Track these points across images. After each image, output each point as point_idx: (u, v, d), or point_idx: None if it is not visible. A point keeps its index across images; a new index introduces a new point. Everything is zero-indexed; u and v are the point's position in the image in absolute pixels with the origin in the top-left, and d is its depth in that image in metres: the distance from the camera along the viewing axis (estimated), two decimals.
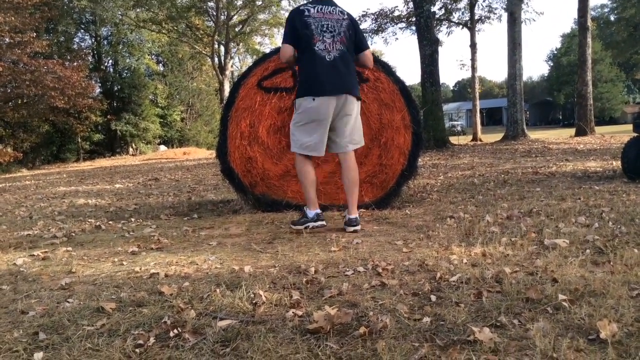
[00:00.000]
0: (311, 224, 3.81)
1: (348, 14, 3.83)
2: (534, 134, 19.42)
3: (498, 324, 1.81)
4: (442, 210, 4.43)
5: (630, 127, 6.82)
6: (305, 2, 3.98)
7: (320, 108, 3.70)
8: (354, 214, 3.79)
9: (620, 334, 1.66)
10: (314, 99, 3.69)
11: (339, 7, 3.84)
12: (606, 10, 40.20)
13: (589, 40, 17.90)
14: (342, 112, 3.77)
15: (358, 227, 3.74)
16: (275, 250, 3.20)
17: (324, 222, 3.86)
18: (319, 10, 3.75)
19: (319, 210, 3.86)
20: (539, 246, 2.90)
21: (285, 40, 3.77)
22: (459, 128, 35.49)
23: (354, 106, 3.80)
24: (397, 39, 56.14)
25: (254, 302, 2.16)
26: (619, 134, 16.74)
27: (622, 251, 2.63)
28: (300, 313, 2.00)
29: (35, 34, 21.51)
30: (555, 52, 58.09)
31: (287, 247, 3.30)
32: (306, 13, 3.74)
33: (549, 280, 2.25)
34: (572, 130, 19.40)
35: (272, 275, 2.59)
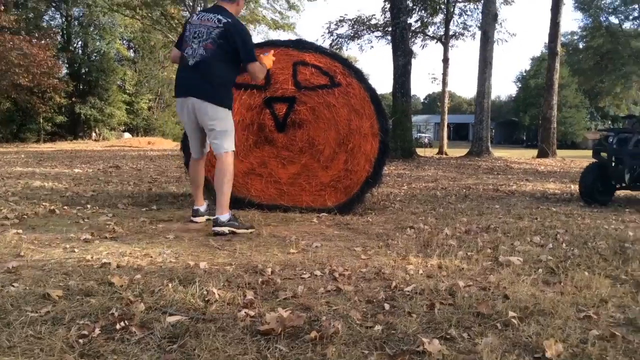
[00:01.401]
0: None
1: (226, 24, 3.76)
2: (498, 152, 19.83)
3: (448, 336, 1.83)
4: (403, 220, 4.46)
5: (590, 152, 7.02)
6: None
7: (182, 114, 3.98)
8: (218, 213, 3.74)
9: (565, 354, 1.69)
10: (179, 106, 3.99)
11: (222, 16, 3.80)
12: (576, 37, 41.29)
13: (557, 65, 18.37)
14: (198, 115, 3.86)
15: (223, 229, 3.64)
16: (233, 248, 3.17)
17: (195, 219, 4.11)
18: (200, 17, 3.90)
19: (195, 207, 4.17)
20: (494, 262, 2.95)
21: (175, 43, 4.18)
22: (426, 140, 35.95)
23: (204, 109, 3.78)
24: (372, 47, 56.70)
25: (206, 299, 2.13)
26: (579, 159, 17.23)
27: (573, 273, 2.69)
28: (252, 313, 1.98)
29: (2, 7, 20.85)
30: (524, 74, 59.49)
31: (246, 245, 3.27)
32: (189, 20, 4.01)
33: (501, 297, 2.28)
34: (535, 151, 19.86)
35: (228, 273, 2.56)
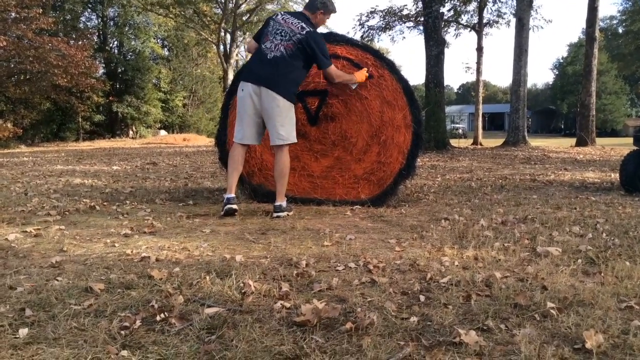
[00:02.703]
0: (224, 207, 4.12)
1: (307, 32, 4.15)
2: (535, 142, 19.44)
3: (485, 327, 1.81)
4: (438, 211, 4.43)
5: (630, 140, 6.82)
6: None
7: (244, 97, 4.21)
8: (279, 201, 4.23)
9: (606, 345, 1.66)
10: (242, 90, 4.22)
11: (307, 24, 4.21)
12: (615, 22, 40.15)
13: (596, 51, 17.89)
14: (264, 105, 4.16)
15: (282, 214, 4.13)
16: (268, 242, 3.20)
17: (232, 206, 4.09)
18: (285, 18, 4.25)
19: (231, 195, 4.16)
20: (531, 253, 2.90)
21: (254, 35, 4.47)
22: (460, 131, 35.46)
23: (276, 103, 4.12)
24: (404, 37, 56.15)
25: (242, 291, 2.16)
26: (620, 147, 16.74)
27: (613, 263, 2.63)
28: (288, 305, 2.00)
29: (41, 10, 21.37)
30: (561, 60, 58.09)
31: (280, 238, 3.30)
32: (274, 17, 4.33)
33: (539, 288, 2.25)
34: (573, 140, 19.40)
35: (263, 266, 2.59)
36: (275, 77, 4.11)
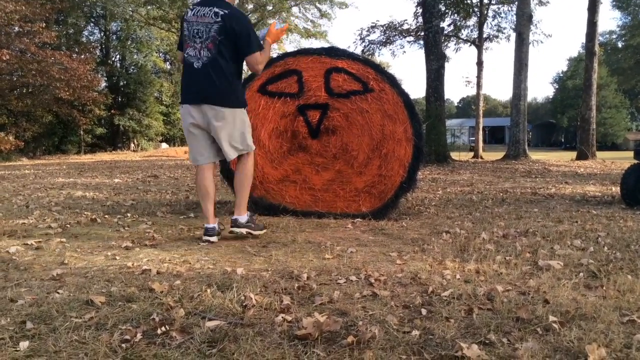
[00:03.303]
0: (206, 238, 3.63)
1: (223, 16, 3.51)
2: (535, 155, 19.44)
3: (487, 341, 1.80)
4: (439, 224, 4.42)
5: (631, 154, 6.83)
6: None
7: (185, 117, 3.70)
8: (236, 214, 3.74)
9: (608, 359, 1.65)
10: (183, 114, 3.72)
11: (217, 8, 3.54)
12: (614, 36, 40.34)
13: (596, 65, 17.96)
14: (211, 122, 3.61)
15: (241, 231, 3.68)
16: (269, 254, 3.20)
17: (210, 239, 3.60)
18: (195, 13, 3.59)
19: (209, 225, 3.66)
20: (533, 266, 2.89)
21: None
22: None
23: (221, 115, 3.58)
24: (404, 52, 56.30)
25: (244, 304, 2.16)
26: (620, 160, 16.75)
27: (615, 276, 2.63)
28: (289, 318, 2.00)
29: (44, 24, 21.50)
30: (561, 75, 58.27)
31: (281, 252, 3.29)
32: (185, 17, 3.68)
33: (541, 301, 2.24)
34: (574, 154, 19.41)
35: (264, 279, 2.58)
36: (212, 89, 3.54)
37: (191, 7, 3.71)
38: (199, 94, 3.59)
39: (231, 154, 3.70)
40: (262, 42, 3.70)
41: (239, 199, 3.76)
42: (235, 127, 3.66)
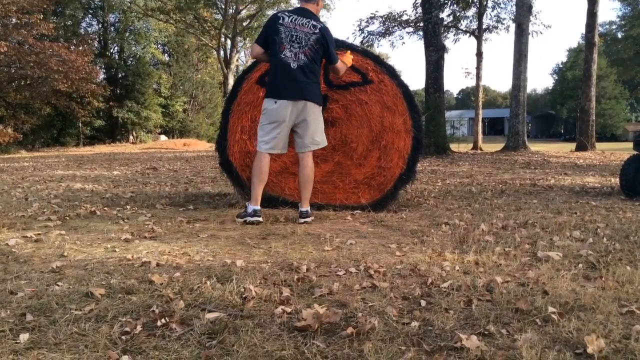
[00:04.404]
0: (248, 219, 4.04)
1: (320, 29, 4.10)
2: (535, 146, 19.44)
3: (486, 332, 1.81)
4: (438, 216, 4.43)
5: (630, 145, 6.83)
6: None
7: (280, 110, 4.07)
8: (305, 207, 4.19)
9: (607, 349, 1.66)
10: (275, 102, 4.08)
11: (314, 20, 4.13)
12: (614, 27, 40.18)
13: (595, 56, 17.93)
14: (302, 116, 4.12)
15: (309, 219, 4.11)
16: (269, 246, 3.20)
17: (259, 219, 4.04)
18: (293, 20, 4.09)
19: (257, 207, 4.09)
20: (532, 258, 2.90)
21: (257, 40, 4.26)
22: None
23: (313, 111, 4.14)
24: (403, 43, 56.28)
25: (243, 296, 2.16)
26: (619, 151, 16.75)
27: (614, 267, 2.63)
28: (289, 310, 2.00)
29: (42, 16, 21.42)
30: (561, 66, 58.25)
31: (281, 243, 3.29)
32: (280, 21, 4.10)
33: (540, 292, 2.25)
34: (573, 145, 19.42)
35: (264, 271, 2.59)
36: (308, 87, 4.07)
37: (287, 13, 4.19)
38: (299, 91, 4.06)
39: (312, 146, 4.22)
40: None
41: (307, 193, 4.23)
42: (320, 123, 4.25)
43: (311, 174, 4.24)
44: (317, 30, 4.08)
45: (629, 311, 2.02)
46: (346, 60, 4.41)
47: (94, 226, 3.91)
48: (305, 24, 4.09)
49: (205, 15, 29.77)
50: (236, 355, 1.62)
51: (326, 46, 4.12)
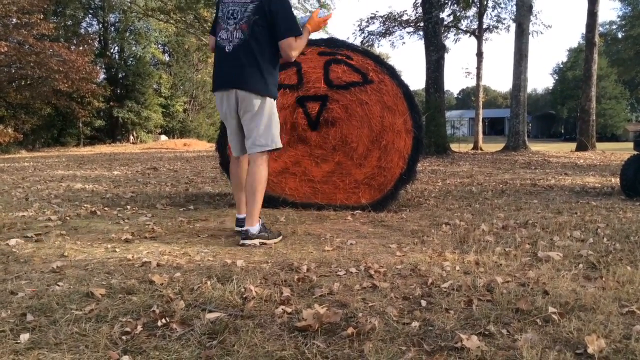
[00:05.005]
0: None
1: None
2: (535, 146, 19.43)
3: (486, 332, 1.81)
4: (439, 216, 4.42)
5: (631, 145, 6.83)
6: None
7: (218, 104, 3.49)
8: (248, 224, 3.30)
9: (607, 349, 1.66)
10: (217, 100, 3.51)
11: None
12: (614, 27, 40.14)
13: (596, 56, 17.92)
14: (241, 109, 3.36)
15: (249, 242, 3.23)
16: (269, 247, 3.20)
17: (239, 229, 3.51)
18: None
19: (241, 216, 3.61)
20: (533, 258, 2.90)
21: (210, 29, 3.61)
22: None
23: (255, 103, 3.30)
24: (404, 43, 56.20)
25: (244, 296, 2.16)
26: (620, 151, 16.74)
27: (615, 268, 2.63)
28: (289, 310, 2.00)
29: (42, 16, 21.41)
30: (561, 65, 58.19)
31: (281, 244, 3.29)
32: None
33: (540, 292, 2.24)
34: (573, 145, 19.41)
35: (264, 271, 2.59)
36: (243, 72, 3.27)
37: None
38: (229, 78, 3.34)
39: (255, 148, 3.37)
40: (300, 28, 3.40)
41: (250, 207, 3.33)
42: (269, 119, 3.37)
43: (256, 183, 3.33)
44: None
45: (629, 311, 2.02)
46: (314, 23, 3.52)
47: (95, 226, 3.91)
48: None
49: (206, 15, 29.72)
50: (236, 356, 1.62)
51: (269, 15, 3.24)
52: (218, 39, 3.39)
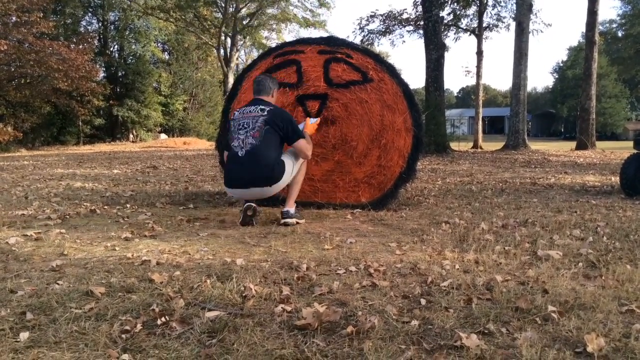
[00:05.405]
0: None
1: (269, 111, 4.00)
2: (535, 145, 19.43)
3: (486, 331, 1.81)
4: (438, 215, 4.43)
5: (630, 143, 6.83)
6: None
7: (237, 196, 4.32)
8: (288, 207, 4.11)
9: (607, 348, 1.66)
10: (229, 189, 4.14)
11: (264, 105, 4.06)
12: (614, 25, 40.16)
13: (596, 54, 17.91)
14: (264, 195, 4.07)
15: (290, 221, 3.95)
16: (269, 245, 3.20)
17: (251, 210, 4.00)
18: (242, 112, 4.10)
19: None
20: (532, 256, 2.90)
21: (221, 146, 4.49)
22: None
23: (268, 191, 4.01)
24: (404, 41, 56.28)
25: (243, 295, 2.16)
26: (620, 150, 16.74)
27: (614, 266, 2.63)
28: (289, 308, 2.00)
29: (42, 14, 21.40)
30: (561, 64, 58.19)
31: (281, 242, 3.30)
32: (232, 117, 4.19)
33: (540, 291, 2.25)
34: (573, 144, 19.41)
35: (264, 270, 2.59)
36: (257, 171, 3.91)
37: (239, 109, 4.19)
38: (245, 179, 3.94)
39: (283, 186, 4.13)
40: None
41: (291, 191, 4.17)
42: (284, 180, 4.05)
43: (299, 176, 4.24)
44: (265, 112, 3.98)
45: (628, 310, 2.02)
46: (309, 129, 4.38)
47: (94, 225, 3.92)
48: (253, 110, 4.04)
49: (205, 14, 29.75)
50: (236, 354, 1.62)
51: (278, 126, 3.97)
52: (232, 146, 4.03)
